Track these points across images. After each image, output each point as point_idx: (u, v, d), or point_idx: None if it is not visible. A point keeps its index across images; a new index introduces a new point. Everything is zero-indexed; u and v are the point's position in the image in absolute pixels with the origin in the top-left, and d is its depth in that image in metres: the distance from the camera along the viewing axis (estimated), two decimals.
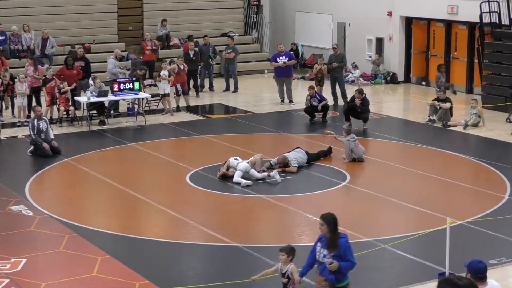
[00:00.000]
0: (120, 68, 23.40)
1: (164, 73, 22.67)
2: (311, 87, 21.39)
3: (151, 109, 22.57)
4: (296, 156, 16.46)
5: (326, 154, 17.17)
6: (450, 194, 14.92)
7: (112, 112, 21.92)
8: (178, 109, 22.76)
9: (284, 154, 16.47)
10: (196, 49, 25.81)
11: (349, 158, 16.83)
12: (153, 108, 22.71)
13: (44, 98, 21.43)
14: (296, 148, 16.85)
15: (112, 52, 27.38)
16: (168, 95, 22.56)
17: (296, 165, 16.31)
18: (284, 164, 16.34)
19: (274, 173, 15.59)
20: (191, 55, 25.04)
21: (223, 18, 30.47)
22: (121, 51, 27.42)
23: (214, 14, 30.22)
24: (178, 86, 22.85)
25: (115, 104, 21.99)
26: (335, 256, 8.39)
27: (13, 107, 21.92)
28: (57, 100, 20.93)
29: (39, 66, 22.36)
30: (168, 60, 24.82)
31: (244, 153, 16.92)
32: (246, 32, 31.33)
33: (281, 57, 23.51)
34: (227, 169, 15.63)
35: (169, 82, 22.70)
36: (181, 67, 23.05)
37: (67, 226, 12.91)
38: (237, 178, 15.33)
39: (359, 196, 14.75)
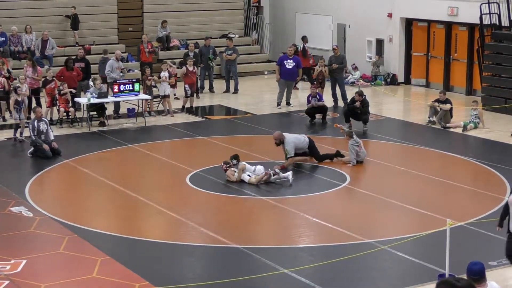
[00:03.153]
0: (120, 70, 23.19)
1: (164, 74, 22.66)
2: (314, 87, 21.44)
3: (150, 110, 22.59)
4: (294, 140, 16.44)
5: (332, 157, 17.03)
6: (450, 195, 14.92)
7: (113, 113, 21.95)
8: (183, 109, 22.76)
9: (282, 133, 16.57)
10: (196, 50, 25.80)
11: (354, 162, 16.76)
12: (153, 109, 22.71)
13: (44, 100, 21.43)
14: (300, 134, 16.82)
15: (113, 53, 27.52)
16: (168, 96, 22.56)
17: (292, 154, 16.35)
18: (280, 141, 16.41)
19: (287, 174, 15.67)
20: (191, 56, 25.04)
21: (223, 19, 30.48)
22: (121, 53, 27.45)
23: (214, 15, 30.23)
24: (187, 87, 22.85)
25: (117, 106, 22.05)
26: None
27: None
28: (57, 102, 20.92)
29: (38, 67, 22.34)
30: (169, 61, 24.80)
31: (244, 154, 16.92)
32: (246, 34, 31.34)
33: (288, 60, 23.40)
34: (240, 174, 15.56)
35: (169, 84, 22.70)
36: (190, 68, 23.05)
37: (67, 227, 12.91)
38: (273, 178, 15.47)
39: (359, 198, 14.75)
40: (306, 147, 16.69)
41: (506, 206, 10.36)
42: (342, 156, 16.96)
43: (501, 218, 10.55)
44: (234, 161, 15.64)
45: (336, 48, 24.29)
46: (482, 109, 21.05)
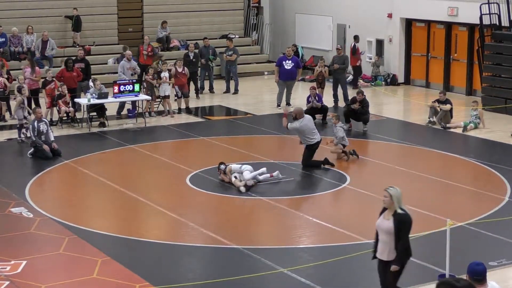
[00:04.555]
0: (132, 70, 23.03)
1: (164, 75, 22.63)
2: (312, 88, 21.46)
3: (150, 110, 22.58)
4: (304, 126, 16.37)
5: (320, 165, 16.68)
6: (450, 195, 14.92)
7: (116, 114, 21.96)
8: (179, 111, 22.76)
9: (303, 113, 16.78)
10: (196, 51, 25.78)
11: (347, 142, 17.27)
12: (154, 110, 22.70)
13: (44, 100, 21.41)
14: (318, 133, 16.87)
15: (113, 54, 27.52)
16: (168, 97, 22.55)
17: (289, 127, 16.50)
18: (295, 117, 16.54)
19: (276, 173, 15.60)
20: (191, 57, 25.03)
21: (223, 20, 30.49)
22: (121, 53, 27.42)
23: (214, 16, 30.24)
24: (177, 88, 22.84)
25: (121, 107, 22.05)
26: None
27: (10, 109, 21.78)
28: (57, 103, 20.88)
29: (37, 67, 22.30)
30: (173, 62, 24.75)
31: (244, 155, 16.92)
32: (246, 34, 31.35)
33: (287, 61, 23.40)
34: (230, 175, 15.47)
35: (170, 84, 22.67)
36: (179, 70, 23.00)
37: (67, 228, 12.92)
38: (248, 175, 15.15)
39: (359, 198, 14.75)
40: (306, 143, 16.60)
41: (377, 231, 9.37)
42: (332, 164, 16.65)
43: (376, 244, 9.48)
44: (222, 166, 15.59)
45: (340, 48, 24.26)
46: (483, 109, 21.05)
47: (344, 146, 17.36)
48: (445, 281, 6.11)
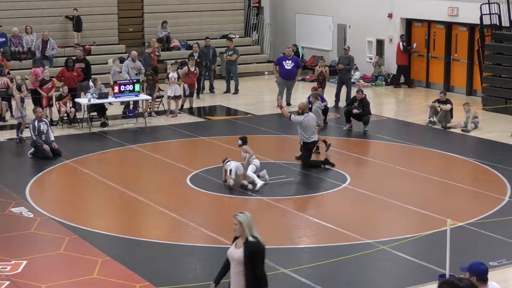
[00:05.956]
0: (137, 70, 22.90)
1: (173, 75, 22.54)
2: (314, 88, 21.44)
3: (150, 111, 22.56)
4: (306, 121, 16.36)
5: (320, 165, 16.67)
6: (450, 195, 14.92)
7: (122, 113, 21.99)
8: (181, 109, 22.74)
9: (308, 109, 17.01)
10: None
11: (322, 125, 18.21)
12: (155, 110, 22.70)
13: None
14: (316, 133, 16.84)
15: (113, 54, 27.52)
16: (179, 96, 22.50)
17: (291, 118, 16.57)
18: (302, 112, 16.58)
19: (263, 172, 15.56)
20: (196, 57, 24.99)
21: (224, 20, 30.50)
22: (122, 53, 27.45)
23: (215, 16, 30.25)
24: (186, 87, 22.81)
25: (126, 106, 22.04)
26: None
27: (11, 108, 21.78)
28: (58, 103, 20.85)
29: (35, 69, 22.00)
30: (173, 61, 24.73)
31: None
32: (247, 34, 31.35)
33: (287, 61, 23.40)
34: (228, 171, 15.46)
35: (180, 85, 22.62)
36: (192, 69, 23.00)
37: (67, 228, 12.92)
38: (250, 172, 15.17)
39: (360, 198, 14.75)
40: (304, 141, 16.57)
41: (227, 259, 8.31)
42: (332, 164, 16.62)
43: (220, 274, 8.41)
44: (240, 142, 15.59)
45: (347, 49, 24.19)
46: (483, 109, 21.04)
47: (318, 126, 17.43)
48: (448, 281, 6.10)
